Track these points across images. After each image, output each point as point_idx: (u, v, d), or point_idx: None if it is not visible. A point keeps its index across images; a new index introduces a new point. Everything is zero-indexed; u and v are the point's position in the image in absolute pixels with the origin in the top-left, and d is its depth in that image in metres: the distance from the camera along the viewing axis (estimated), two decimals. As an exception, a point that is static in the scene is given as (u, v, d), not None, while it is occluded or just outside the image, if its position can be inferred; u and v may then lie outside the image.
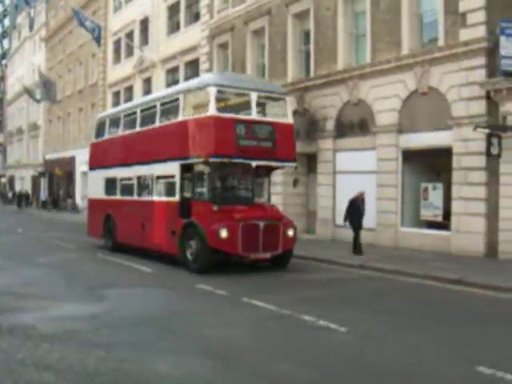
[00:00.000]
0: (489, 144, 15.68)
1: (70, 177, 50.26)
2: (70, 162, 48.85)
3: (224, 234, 13.16)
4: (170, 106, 15.71)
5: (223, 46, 28.84)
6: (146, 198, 16.77)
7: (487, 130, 15.75)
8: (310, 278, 13.60)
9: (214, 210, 13.53)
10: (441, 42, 17.70)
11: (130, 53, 39.70)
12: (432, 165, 18.81)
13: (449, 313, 9.83)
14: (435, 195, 18.17)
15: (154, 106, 16.40)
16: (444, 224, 17.77)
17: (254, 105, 14.45)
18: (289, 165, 15.35)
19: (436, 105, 17.75)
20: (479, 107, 16.51)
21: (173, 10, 34.29)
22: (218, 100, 14.21)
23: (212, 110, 13.72)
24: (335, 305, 10.28)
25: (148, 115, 16.82)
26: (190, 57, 31.95)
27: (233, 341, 7.61)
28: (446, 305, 10.56)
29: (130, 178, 17.61)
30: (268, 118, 15.15)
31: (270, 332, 8.27)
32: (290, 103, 15.96)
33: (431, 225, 18.37)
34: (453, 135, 17.11)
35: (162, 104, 16.03)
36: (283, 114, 15.21)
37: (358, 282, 13.04)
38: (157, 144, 16.01)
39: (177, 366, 6.47)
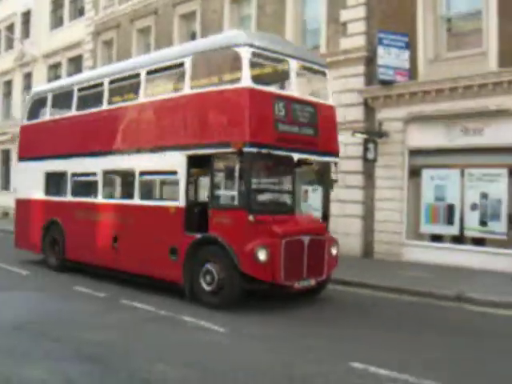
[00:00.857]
0: (365, 149, 16.42)
1: None
2: None
3: (263, 256, 9.56)
4: (166, 74, 11.98)
5: (108, 43, 28.37)
6: (120, 200, 12.93)
7: (364, 136, 16.49)
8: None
9: (248, 222, 9.69)
10: (323, 50, 18.31)
11: (10, 45, 38.03)
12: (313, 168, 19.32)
13: (327, 312, 10.20)
14: (315, 197, 18.68)
15: (137, 75, 12.09)
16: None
17: (293, 76, 10.81)
18: (331, 159, 11.51)
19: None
20: (357, 113, 17.28)
21: (57, 3, 33.26)
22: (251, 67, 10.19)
23: (246, 80, 9.88)
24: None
25: (124, 88, 12.81)
26: (73, 53, 31.13)
27: (110, 343, 7.51)
28: (325, 304, 10.87)
29: (90, 174, 13.34)
30: (309, 97, 11.29)
31: (148, 333, 8.23)
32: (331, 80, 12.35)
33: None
34: (333, 140, 17.72)
35: (152, 71, 11.88)
36: (323, 92, 11.73)
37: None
38: (142, 127, 11.94)
39: (52, 371, 6.30)
